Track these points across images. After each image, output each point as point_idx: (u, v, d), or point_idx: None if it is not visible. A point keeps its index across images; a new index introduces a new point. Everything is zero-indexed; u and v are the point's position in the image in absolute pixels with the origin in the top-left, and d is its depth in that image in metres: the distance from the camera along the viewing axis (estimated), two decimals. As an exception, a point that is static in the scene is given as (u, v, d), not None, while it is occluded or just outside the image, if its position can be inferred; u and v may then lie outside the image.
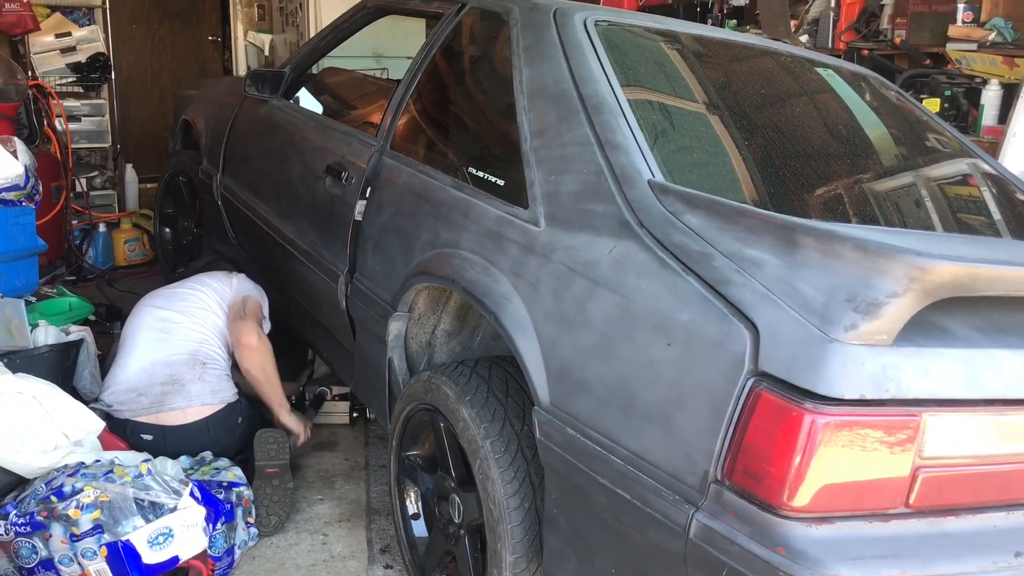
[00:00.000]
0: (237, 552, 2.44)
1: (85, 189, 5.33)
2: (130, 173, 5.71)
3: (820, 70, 2.75)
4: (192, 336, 2.82)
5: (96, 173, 5.67)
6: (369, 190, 2.51)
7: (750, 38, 2.99)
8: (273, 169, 3.20)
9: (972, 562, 1.38)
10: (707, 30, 2.86)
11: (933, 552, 1.37)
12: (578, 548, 1.71)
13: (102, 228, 5.18)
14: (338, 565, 2.50)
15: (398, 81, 2.74)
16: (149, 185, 5.56)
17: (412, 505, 2.30)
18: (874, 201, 2.35)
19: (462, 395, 1.98)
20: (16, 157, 3.16)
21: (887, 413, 1.34)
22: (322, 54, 3.46)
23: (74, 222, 5.08)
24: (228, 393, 2.79)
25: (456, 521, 2.08)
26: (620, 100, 1.91)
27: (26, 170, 3.17)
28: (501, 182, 2.06)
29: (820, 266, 1.39)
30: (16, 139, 3.38)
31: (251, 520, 2.52)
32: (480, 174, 2.16)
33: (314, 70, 3.77)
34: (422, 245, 2.20)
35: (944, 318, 1.42)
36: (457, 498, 2.07)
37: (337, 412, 3.34)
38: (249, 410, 2.87)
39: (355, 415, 3.35)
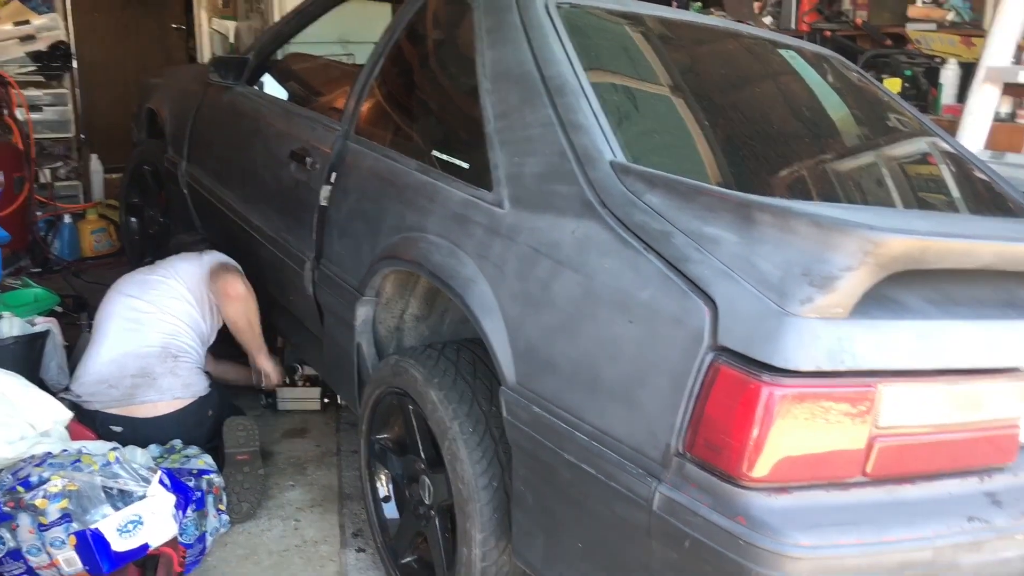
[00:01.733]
0: (209, 539, 2.44)
1: (49, 180, 5.27)
2: (95, 163, 5.65)
3: (783, 52, 2.78)
4: (164, 328, 2.80)
5: (60, 164, 5.59)
6: (334, 175, 2.50)
7: (714, 20, 3.01)
8: (238, 156, 3.18)
9: (927, 528, 1.41)
10: (671, 12, 2.86)
11: (889, 519, 1.40)
12: (546, 524, 1.73)
13: (67, 219, 5.13)
14: (310, 550, 2.51)
15: (362, 65, 2.73)
16: (115, 175, 5.50)
17: (383, 488, 2.32)
18: (836, 180, 2.39)
19: (430, 377, 1.99)
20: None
21: (843, 384, 1.36)
22: (286, 39, 3.44)
23: (39, 213, 5.03)
24: (200, 387, 2.78)
25: (426, 502, 2.10)
26: (582, 81, 1.91)
27: (-14, 160, 3.13)
28: (466, 165, 2.07)
29: (776, 242, 1.41)
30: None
31: (222, 507, 2.53)
32: (445, 157, 2.16)
33: (280, 56, 3.75)
34: (388, 229, 2.20)
35: (899, 291, 1.45)
36: (427, 479, 2.08)
37: (309, 399, 3.34)
38: (219, 402, 2.86)
39: (326, 401, 3.35)
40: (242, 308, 2.89)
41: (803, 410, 1.34)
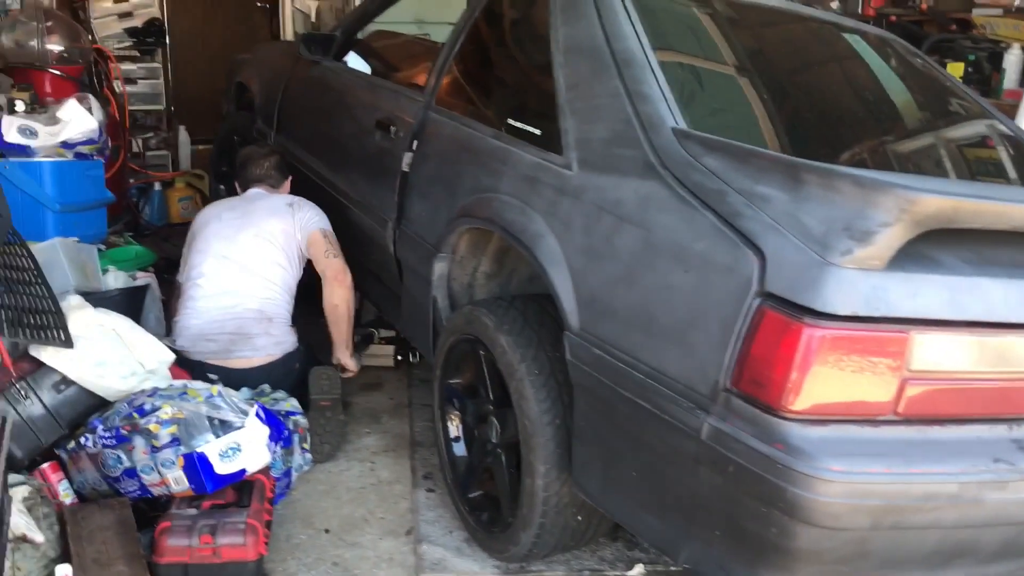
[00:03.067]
0: (294, 475, 2.67)
1: (141, 149, 5.58)
2: (183, 135, 5.95)
3: (846, 35, 2.88)
4: (261, 293, 2.98)
5: (151, 134, 5.92)
6: (416, 143, 2.71)
7: (780, 3, 3.11)
8: (325, 126, 3.41)
9: (953, 465, 1.54)
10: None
11: (918, 455, 1.54)
12: (603, 456, 1.91)
13: (157, 187, 5.42)
14: (385, 489, 2.72)
15: (443, 42, 2.92)
16: (201, 147, 5.79)
17: (454, 429, 2.51)
18: (893, 159, 2.49)
19: (500, 324, 2.18)
20: (92, 113, 3.39)
21: (878, 330, 1.50)
22: (370, 18, 3.66)
23: (131, 180, 5.33)
24: (289, 343, 3.00)
25: (493, 440, 2.30)
26: (648, 55, 2.07)
27: (99, 126, 3.40)
28: (537, 131, 2.25)
29: (821, 200, 1.55)
30: (91, 96, 3.62)
31: (306, 447, 2.75)
32: (518, 125, 2.34)
33: (362, 34, 3.96)
34: (464, 191, 2.40)
35: (936, 250, 1.57)
36: (495, 419, 2.28)
37: (383, 356, 3.56)
38: (306, 356, 3.08)
39: (399, 359, 3.56)
40: (347, 296, 3.02)
41: (840, 350, 1.48)
